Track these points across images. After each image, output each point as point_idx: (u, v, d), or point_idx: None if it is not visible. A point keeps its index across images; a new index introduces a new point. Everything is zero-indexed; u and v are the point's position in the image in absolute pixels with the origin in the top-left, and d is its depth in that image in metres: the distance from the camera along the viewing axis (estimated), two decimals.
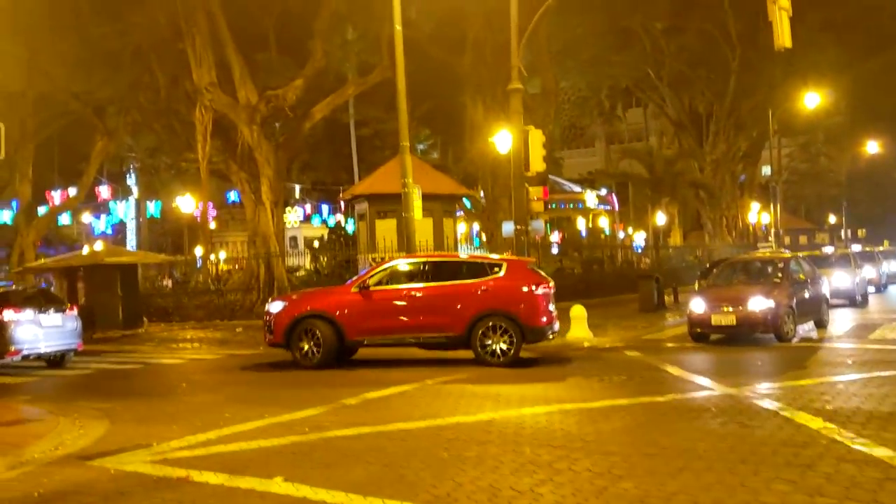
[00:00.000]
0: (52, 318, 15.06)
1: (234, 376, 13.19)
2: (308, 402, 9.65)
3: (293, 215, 47.73)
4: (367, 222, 26.56)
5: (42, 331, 14.78)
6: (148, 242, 46.09)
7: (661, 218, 46.49)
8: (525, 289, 13.00)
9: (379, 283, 13.54)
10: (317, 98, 27.38)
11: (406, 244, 18.01)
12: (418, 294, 13.23)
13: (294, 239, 53.80)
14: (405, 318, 13.13)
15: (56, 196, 43.66)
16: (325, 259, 29.92)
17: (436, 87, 30.17)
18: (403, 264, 14.10)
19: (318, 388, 11.04)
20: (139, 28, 27.15)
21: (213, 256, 33.94)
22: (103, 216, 44.03)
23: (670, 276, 29.70)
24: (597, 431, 7.46)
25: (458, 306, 12.90)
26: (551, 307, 13.28)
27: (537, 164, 18.00)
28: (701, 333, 14.99)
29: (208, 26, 24.90)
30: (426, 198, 25.98)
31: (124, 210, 42.79)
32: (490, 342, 12.73)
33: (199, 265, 32.21)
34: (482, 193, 31.59)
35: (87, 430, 8.33)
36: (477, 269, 13.52)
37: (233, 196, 45.78)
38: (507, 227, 20.96)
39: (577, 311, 16.21)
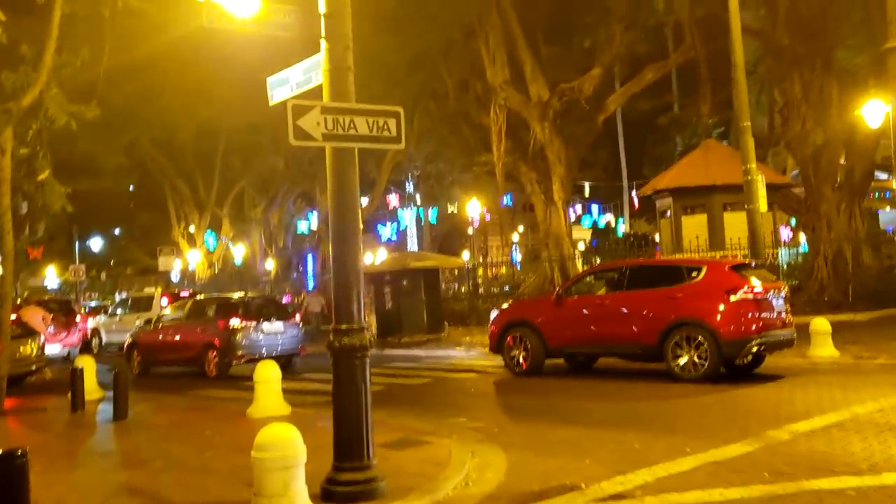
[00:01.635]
0: (274, 325, 16.48)
1: (563, 384, 11.86)
2: (715, 430, 8.03)
3: None
4: (670, 220, 24.47)
5: (264, 337, 16.21)
6: (428, 248, 47.33)
7: None
8: (723, 294, 11.59)
9: (577, 291, 13.58)
10: (604, 90, 25.82)
11: (750, 242, 15.76)
12: (609, 302, 12.80)
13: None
14: (598, 328, 12.71)
15: None
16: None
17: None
18: (601, 272, 14.13)
19: (684, 409, 9.36)
20: (423, 37, 27.34)
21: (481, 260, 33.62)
22: (389, 223, 45.77)
23: None
24: None
25: (650, 315, 12.05)
26: (767, 315, 11.62)
27: None
28: None
29: (501, 23, 24.23)
30: (739, 189, 23.44)
31: (410, 217, 44.12)
32: (682, 354, 11.66)
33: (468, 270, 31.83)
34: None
35: (484, 459, 7.28)
36: (674, 274, 12.53)
37: (505, 199, 45.83)
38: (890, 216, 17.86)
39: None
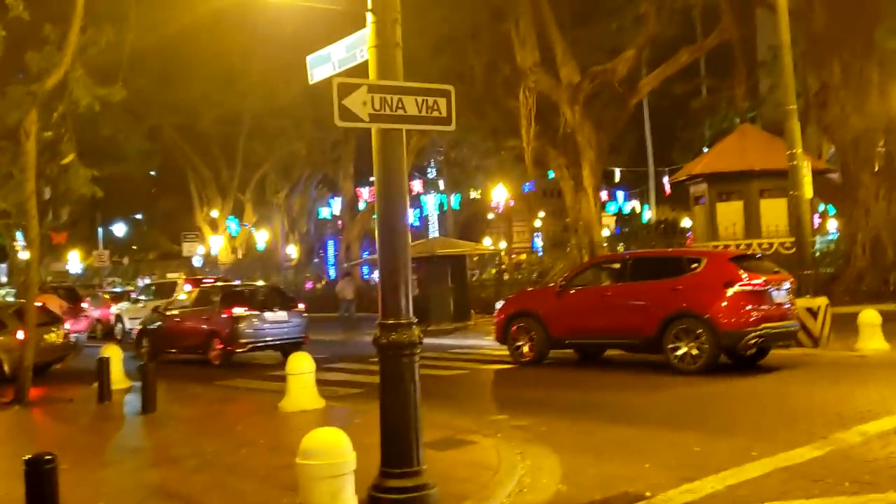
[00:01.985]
0: (277, 315, 16.52)
1: (593, 377, 11.38)
2: (777, 430, 7.57)
3: None
4: (706, 206, 23.82)
5: (267, 325, 16.24)
6: (449, 234, 46.87)
7: None
8: (721, 286, 11.61)
9: (580, 282, 13.53)
10: (633, 74, 25.12)
11: (796, 230, 15.08)
12: (610, 294, 12.94)
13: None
14: (599, 319, 12.77)
15: (364, 192, 45.74)
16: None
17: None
18: (604, 263, 14.24)
19: (739, 406, 8.87)
20: (449, 19, 26.79)
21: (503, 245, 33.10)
22: (411, 210, 45.34)
23: None
24: None
25: (650, 306, 12.09)
26: (766, 307, 11.57)
27: None
28: None
29: (531, 5, 23.61)
30: (777, 174, 22.81)
31: (434, 203, 43.63)
32: (681, 346, 11.68)
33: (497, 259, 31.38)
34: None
35: (536, 462, 6.85)
36: (675, 265, 12.53)
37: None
38: None
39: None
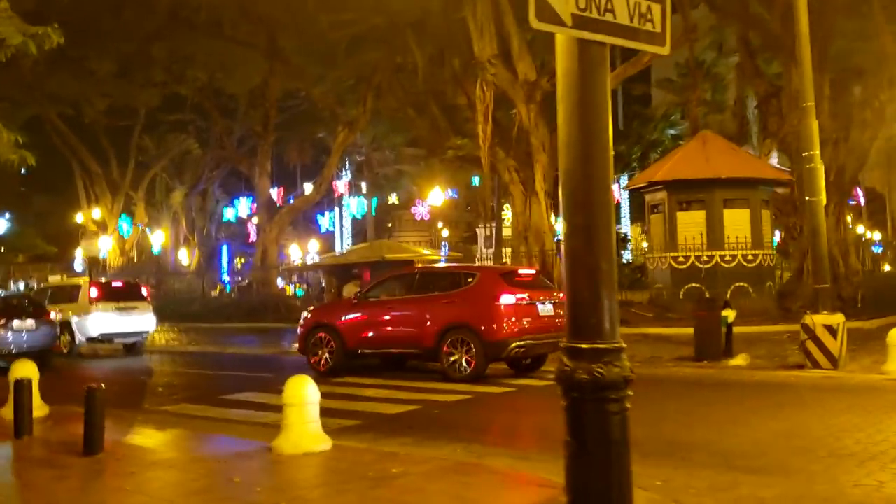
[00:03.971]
0: (25, 323, 16.46)
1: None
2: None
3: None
4: (664, 215, 22.68)
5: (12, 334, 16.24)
6: (363, 241, 44.49)
7: None
8: (490, 299, 12.50)
9: (375, 295, 14.11)
10: None
11: (811, 238, 13.86)
12: (397, 306, 13.59)
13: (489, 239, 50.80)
14: (388, 330, 13.48)
15: (273, 193, 42.77)
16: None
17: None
18: (398, 276, 14.68)
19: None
20: (388, 7, 24.84)
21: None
22: (327, 213, 42.59)
23: None
24: None
25: (429, 318, 12.88)
26: (530, 320, 12.53)
27: None
28: None
29: None
30: (739, 184, 22.07)
31: (347, 206, 41.05)
32: (455, 356, 12.46)
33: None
34: None
35: None
36: (454, 279, 13.46)
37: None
38: None
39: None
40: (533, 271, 14.96)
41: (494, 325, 12.25)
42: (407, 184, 40.57)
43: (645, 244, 27.58)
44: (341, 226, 44.72)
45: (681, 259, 21.85)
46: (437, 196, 32.34)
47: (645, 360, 15.22)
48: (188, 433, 8.92)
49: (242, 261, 52.84)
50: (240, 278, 46.87)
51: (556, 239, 25.99)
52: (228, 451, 8.02)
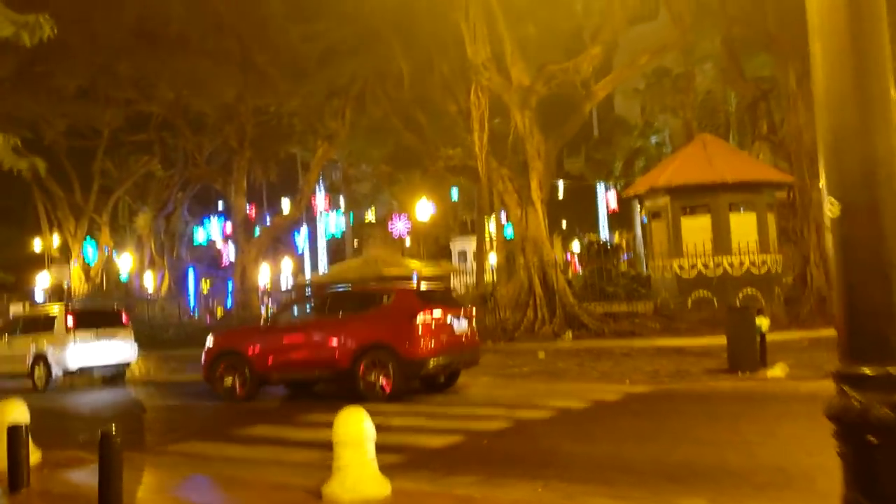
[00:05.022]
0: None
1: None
2: None
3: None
4: (667, 221, 21.93)
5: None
6: (336, 259, 43.21)
7: None
8: (407, 317, 12.38)
9: (286, 318, 14.09)
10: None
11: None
12: (311, 328, 13.34)
13: (464, 253, 49.74)
14: (300, 353, 13.10)
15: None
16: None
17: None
18: (309, 298, 14.59)
19: None
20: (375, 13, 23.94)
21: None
22: (304, 230, 41.14)
23: None
24: None
25: (344, 339, 12.67)
26: (445, 337, 12.56)
27: None
28: None
29: None
30: (744, 188, 21.44)
31: (335, 222, 39.71)
32: (372, 376, 12.28)
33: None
34: None
35: None
36: (369, 299, 13.48)
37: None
38: None
39: None
40: (445, 288, 14.96)
41: (413, 344, 12.17)
42: (387, 199, 39.46)
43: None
44: (315, 245, 43.33)
45: (687, 267, 21.10)
46: (424, 209, 31.26)
47: (672, 374, 14.39)
48: (215, 478, 7.74)
49: (209, 284, 51.19)
50: (213, 302, 45.28)
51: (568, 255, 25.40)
52: (273, 499, 6.86)
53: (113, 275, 45.90)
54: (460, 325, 13.10)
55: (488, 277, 28.47)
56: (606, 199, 37.70)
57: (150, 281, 47.40)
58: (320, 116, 29.91)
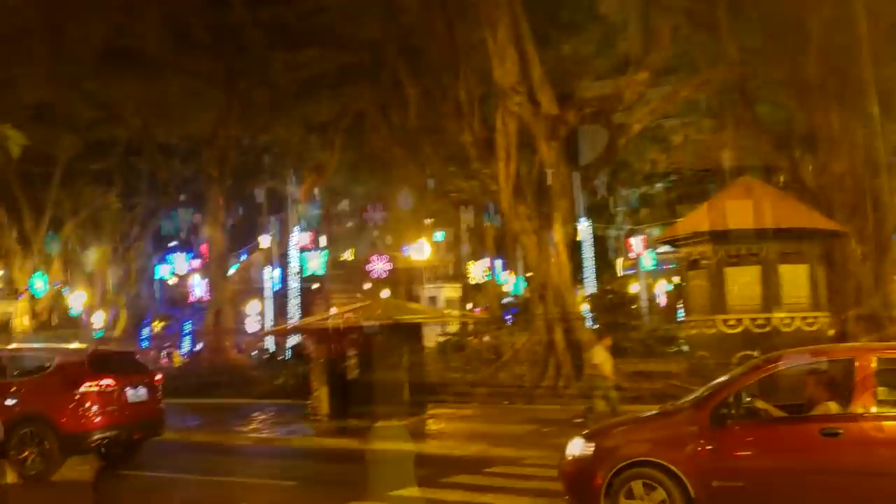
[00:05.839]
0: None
1: None
2: None
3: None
4: (708, 271, 19.66)
5: None
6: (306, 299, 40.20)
7: None
8: (68, 388, 11.43)
9: None
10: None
11: None
12: None
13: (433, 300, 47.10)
14: None
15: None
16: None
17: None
18: None
19: None
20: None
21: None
22: (278, 269, 37.92)
23: None
24: None
25: None
26: (115, 408, 11.57)
27: None
28: None
29: (510, 14, 18.77)
30: (796, 236, 19.39)
31: (319, 260, 36.66)
32: (25, 451, 11.16)
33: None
34: None
35: None
36: (36, 363, 12.32)
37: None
38: None
39: None
40: (128, 351, 14.11)
41: (73, 417, 11.26)
42: (370, 236, 36.86)
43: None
44: (285, 286, 40.25)
45: (732, 322, 18.84)
46: (421, 248, 28.70)
47: None
48: None
49: (161, 324, 47.77)
50: (169, 345, 41.90)
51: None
52: None
53: (63, 311, 42.27)
54: (138, 394, 12.17)
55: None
56: (629, 245, 35.57)
57: (100, 319, 43.86)
58: (308, 147, 27.45)
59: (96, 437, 11.45)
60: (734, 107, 25.44)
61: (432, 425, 16.25)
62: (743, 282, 19.05)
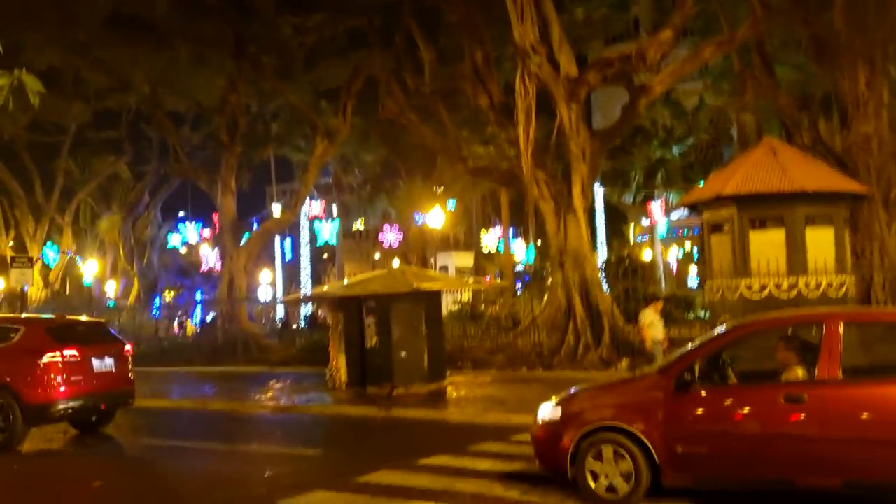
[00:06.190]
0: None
1: None
2: None
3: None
4: (732, 235, 19.25)
5: None
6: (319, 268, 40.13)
7: None
8: (31, 357, 11.45)
9: None
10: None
11: None
12: None
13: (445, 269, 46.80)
14: None
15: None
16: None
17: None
18: None
19: None
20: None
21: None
22: (288, 239, 37.72)
23: None
24: None
25: None
26: (79, 377, 11.58)
27: None
28: None
29: None
30: (823, 199, 18.91)
31: (331, 230, 36.38)
32: None
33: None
34: None
35: None
36: (1, 334, 12.00)
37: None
38: None
39: None
40: (96, 321, 14.16)
41: (36, 387, 11.30)
42: (383, 206, 36.47)
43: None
44: (298, 255, 40.05)
45: (756, 287, 18.44)
46: (436, 216, 28.34)
47: None
48: None
49: (172, 293, 47.69)
50: (181, 314, 41.87)
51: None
52: None
53: (75, 280, 42.25)
54: (104, 364, 12.13)
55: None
56: (650, 211, 35.07)
57: (112, 288, 43.84)
58: (320, 112, 27.00)
59: (60, 406, 11.46)
60: (752, 69, 24.93)
61: (452, 392, 16.02)
62: (768, 246, 18.64)
